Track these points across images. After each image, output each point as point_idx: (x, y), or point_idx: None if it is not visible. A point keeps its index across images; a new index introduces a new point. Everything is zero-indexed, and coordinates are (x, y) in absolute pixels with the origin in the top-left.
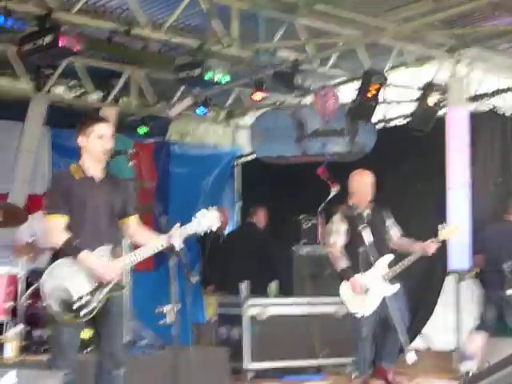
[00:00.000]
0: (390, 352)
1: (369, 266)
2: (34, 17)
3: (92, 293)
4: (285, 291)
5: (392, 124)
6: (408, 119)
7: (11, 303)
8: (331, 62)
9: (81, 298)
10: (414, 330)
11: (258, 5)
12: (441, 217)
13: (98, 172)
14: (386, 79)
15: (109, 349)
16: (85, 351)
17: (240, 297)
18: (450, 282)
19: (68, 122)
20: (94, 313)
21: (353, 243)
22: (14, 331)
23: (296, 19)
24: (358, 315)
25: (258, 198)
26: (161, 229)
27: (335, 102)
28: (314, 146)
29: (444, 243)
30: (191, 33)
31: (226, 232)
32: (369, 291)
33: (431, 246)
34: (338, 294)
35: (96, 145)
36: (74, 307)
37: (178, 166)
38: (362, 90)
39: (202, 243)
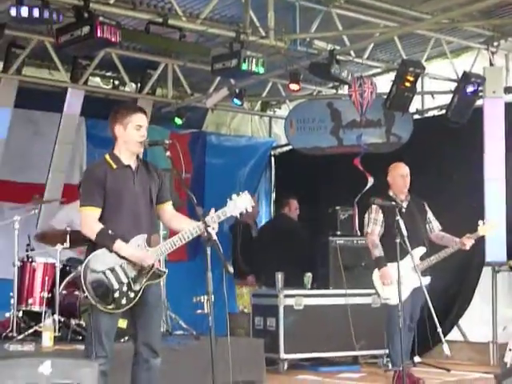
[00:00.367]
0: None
1: (403, 256)
2: (71, 8)
3: (131, 282)
4: (320, 282)
5: (429, 114)
6: (444, 110)
7: (48, 293)
8: (368, 52)
9: (121, 287)
10: (451, 322)
11: None
12: (477, 208)
13: (133, 161)
14: (424, 68)
15: (146, 338)
16: (122, 340)
17: (275, 287)
18: (486, 273)
19: (104, 112)
20: (134, 302)
21: (389, 234)
22: (51, 321)
23: (332, 9)
24: (390, 302)
25: (294, 188)
26: (197, 220)
27: (372, 92)
28: (350, 136)
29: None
30: (227, 23)
31: (257, 222)
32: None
33: (469, 242)
34: (373, 286)
35: (134, 135)
36: (115, 296)
37: (214, 156)
38: (399, 80)
39: (233, 234)
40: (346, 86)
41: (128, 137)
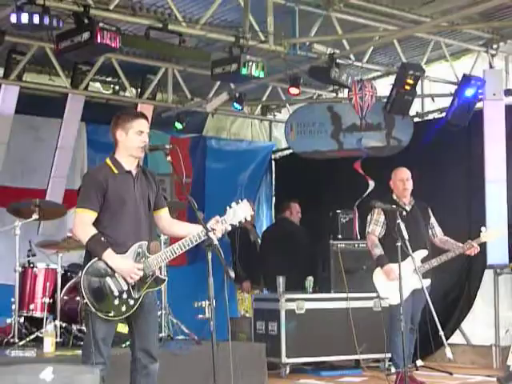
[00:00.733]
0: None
1: (404, 258)
2: (70, 14)
3: (131, 289)
4: (322, 286)
5: (429, 117)
6: (444, 113)
7: (49, 299)
8: (367, 56)
9: (121, 294)
10: (453, 326)
11: None
12: (478, 211)
13: (134, 166)
14: (423, 71)
15: (143, 344)
16: (123, 345)
17: (277, 292)
18: (488, 276)
19: (104, 118)
20: (134, 309)
21: (390, 236)
22: (52, 326)
23: (332, 13)
24: (389, 301)
25: (294, 192)
26: (197, 223)
27: (372, 96)
28: (351, 140)
29: None
30: (227, 28)
31: (255, 226)
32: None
33: (472, 248)
34: (374, 289)
35: (135, 140)
36: (115, 304)
37: (215, 161)
38: (398, 84)
39: (231, 238)
40: (346, 90)
41: (129, 142)
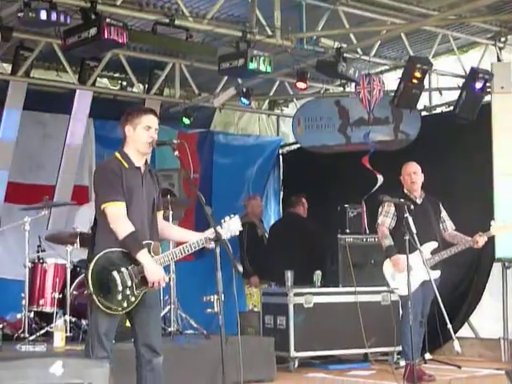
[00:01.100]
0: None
1: (413, 251)
2: (78, 10)
3: (134, 286)
4: (330, 280)
5: (437, 111)
6: (452, 107)
7: (59, 294)
8: (375, 49)
9: (125, 289)
10: (462, 319)
11: None
12: (486, 205)
13: (142, 163)
14: (431, 65)
15: (145, 339)
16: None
17: (285, 286)
18: (496, 270)
19: (112, 113)
20: (134, 305)
21: (400, 229)
22: (62, 321)
23: (339, 7)
24: (399, 292)
25: (302, 187)
26: (204, 219)
27: (380, 90)
28: (358, 134)
29: None
30: (234, 23)
31: (262, 221)
32: (410, 272)
33: (482, 240)
34: (383, 283)
35: (142, 135)
36: (118, 298)
37: (222, 156)
38: (406, 77)
39: (239, 233)
40: (354, 84)
41: (137, 137)
